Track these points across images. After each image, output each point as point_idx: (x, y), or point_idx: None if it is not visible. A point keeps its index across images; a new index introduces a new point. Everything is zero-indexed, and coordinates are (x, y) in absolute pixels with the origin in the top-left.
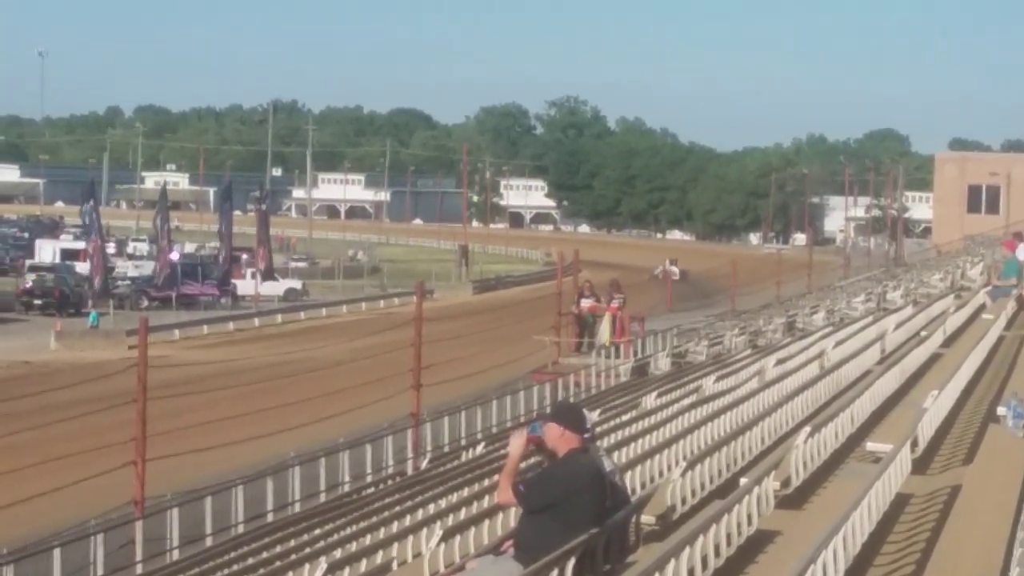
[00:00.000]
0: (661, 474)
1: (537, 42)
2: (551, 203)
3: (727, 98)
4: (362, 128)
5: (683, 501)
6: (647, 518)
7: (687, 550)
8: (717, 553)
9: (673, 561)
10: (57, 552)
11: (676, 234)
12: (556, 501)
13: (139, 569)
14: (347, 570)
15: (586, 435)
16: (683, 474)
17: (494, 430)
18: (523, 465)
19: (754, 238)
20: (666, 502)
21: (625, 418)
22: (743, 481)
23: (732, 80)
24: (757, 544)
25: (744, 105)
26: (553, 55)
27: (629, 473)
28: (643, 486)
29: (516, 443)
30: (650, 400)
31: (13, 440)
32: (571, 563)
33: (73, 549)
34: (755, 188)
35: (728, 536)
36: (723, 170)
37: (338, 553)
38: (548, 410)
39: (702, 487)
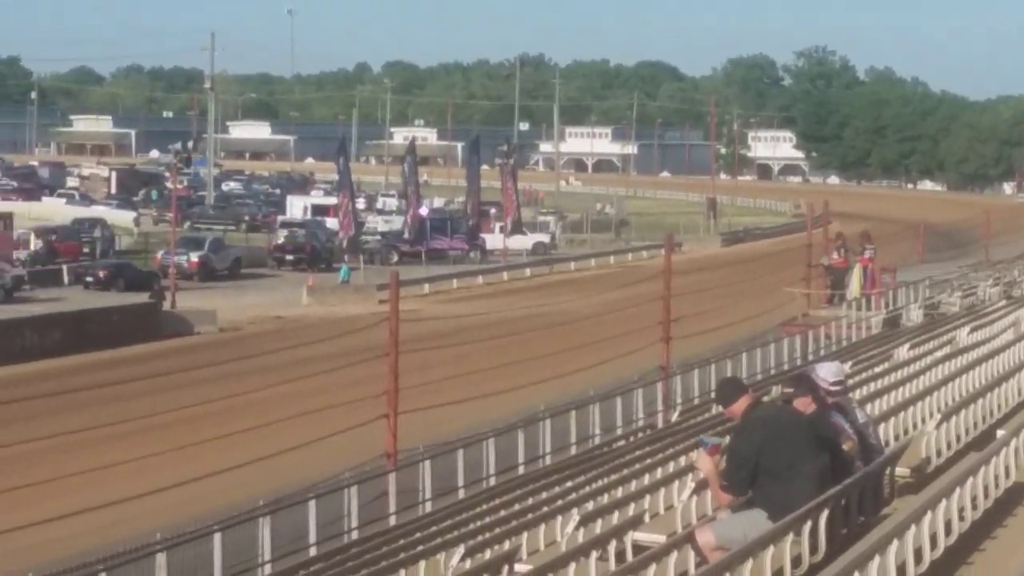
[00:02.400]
0: (915, 426)
1: None
2: (799, 154)
3: (979, 45)
4: (609, 81)
5: (938, 453)
6: (902, 470)
7: (943, 503)
8: (974, 506)
9: (929, 513)
10: (312, 504)
11: (927, 184)
12: (752, 464)
13: (392, 521)
14: (599, 522)
15: (738, 397)
16: (938, 426)
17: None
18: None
19: (1008, 188)
20: (921, 454)
21: (878, 370)
22: (1000, 433)
23: (984, 26)
24: (1015, 497)
25: (997, 52)
26: (801, 5)
27: (883, 425)
28: (897, 438)
29: (703, 464)
30: (903, 352)
31: (268, 394)
32: (823, 516)
33: (328, 501)
34: (1009, 136)
35: (985, 488)
36: (976, 119)
37: (590, 505)
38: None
39: (957, 439)
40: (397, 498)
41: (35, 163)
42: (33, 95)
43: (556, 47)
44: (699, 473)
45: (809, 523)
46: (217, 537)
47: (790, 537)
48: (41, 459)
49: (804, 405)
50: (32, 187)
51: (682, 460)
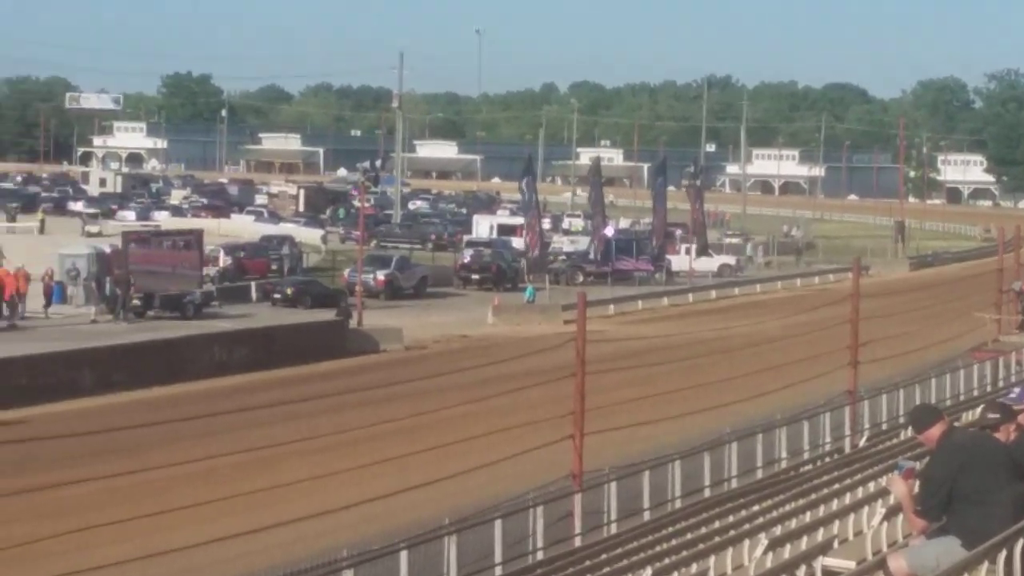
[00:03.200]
0: None
1: (975, 15)
2: (990, 178)
3: None
4: (796, 103)
5: None
6: None
7: None
8: None
9: None
10: (498, 523)
11: None
12: (947, 489)
13: (577, 542)
14: (787, 547)
15: (933, 423)
16: None
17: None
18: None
19: None
20: None
21: None
22: None
23: None
24: None
25: None
26: (992, 27)
27: None
28: None
29: (897, 488)
30: None
31: (453, 412)
32: (1020, 544)
33: (513, 520)
34: None
35: None
36: None
37: (778, 530)
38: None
39: None
40: (583, 519)
41: (225, 181)
42: (223, 113)
43: (744, 68)
44: (891, 498)
45: (1004, 551)
46: (404, 555)
47: (984, 565)
48: (226, 475)
49: (1006, 433)
50: (222, 204)
51: (872, 485)
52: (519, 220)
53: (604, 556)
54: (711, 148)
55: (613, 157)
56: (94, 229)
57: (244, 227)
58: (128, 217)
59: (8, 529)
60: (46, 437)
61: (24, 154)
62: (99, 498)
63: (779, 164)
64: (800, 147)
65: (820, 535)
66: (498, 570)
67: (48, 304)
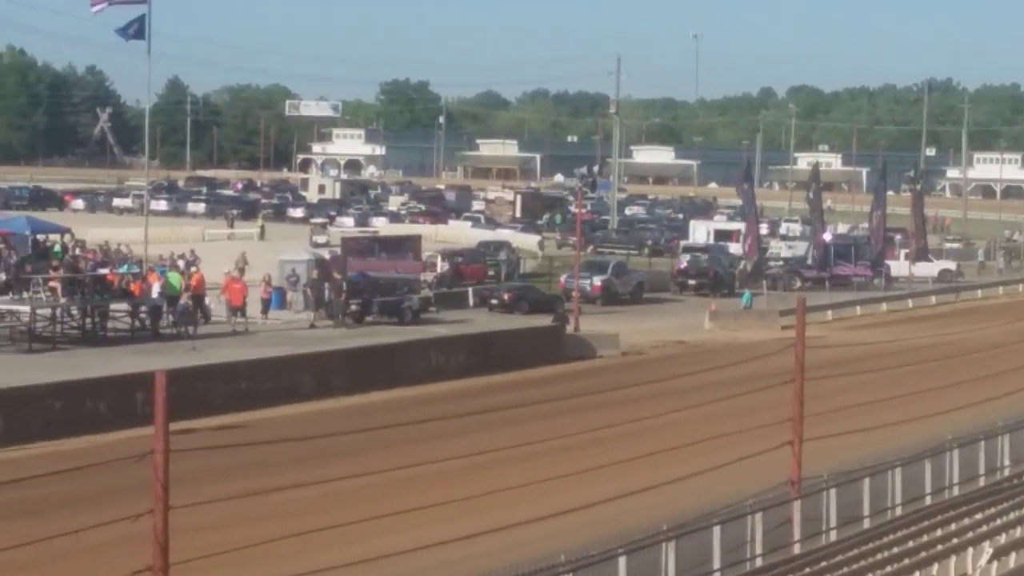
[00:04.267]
0: None
1: None
2: None
3: None
4: (1019, 106)
5: None
6: None
7: None
8: None
9: None
10: (716, 529)
11: None
12: None
13: (796, 549)
14: (1012, 556)
15: None
16: None
17: None
18: None
19: None
20: None
21: None
22: None
23: None
24: None
25: None
26: None
27: None
28: None
29: None
30: None
31: (670, 419)
32: None
33: (731, 527)
34: None
35: None
36: None
37: (1002, 538)
38: None
39: None
40: (801, 526)
41: (442, 187)
42: (441, 120)
43: (965, 71)
44: None
45: None
46: (622, 560)
47: None
48: (442, 480)
49: None
50: (439, 210)
51: None
52: (736, 225)
53: (823, 564)
54: (931, 152)
55: (831, 162)
56: (322, 240)
57: (461, 233)
58: (346, 223)
59: (230, 532)
60: (267, 441)
61: (245, 161)
62: (319, 502)
63: (1001, 168)
64: (1023, 151)
65: None
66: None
67: (266, 310)
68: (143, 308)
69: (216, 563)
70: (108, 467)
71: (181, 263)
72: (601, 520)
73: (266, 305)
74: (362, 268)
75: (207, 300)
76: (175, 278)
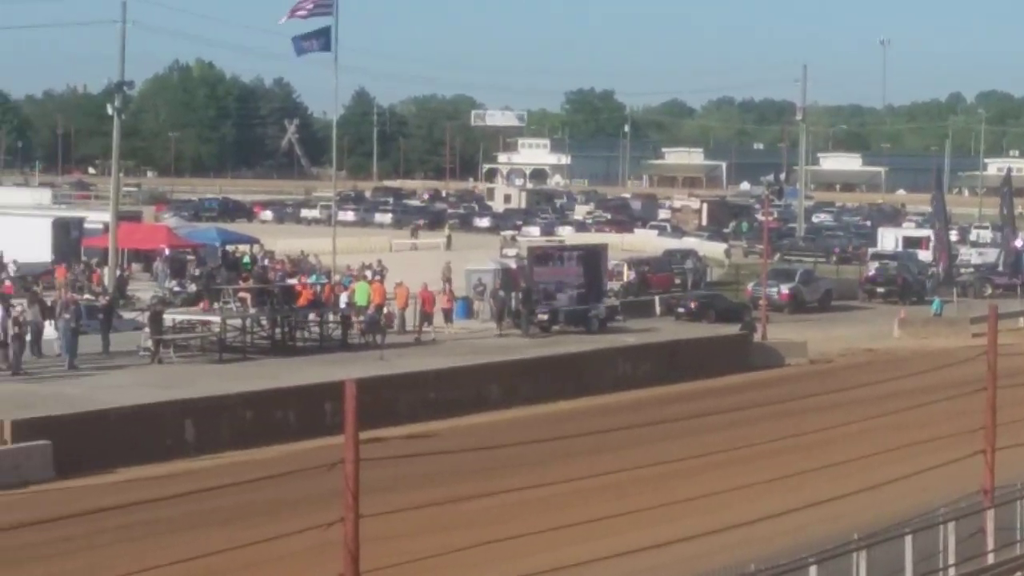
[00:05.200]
0: None
1: None
2: None
3: None
4: None
5: None
6: None
7: None
8: None
9: None
10: (908, 539)
11: None
12: None
13: (990, 559)
14: None
15: None
16: None
17: None
18: None
19: None
20: None
21: None
22: None
23: None
24: None
25: None
26: None
27: None
28: None
29: None
30: None
31: (858, 427)
32: None
33: (923, 536)
34: None
35: None
36: None
37: None
38: None
39: None
40: (995, 536)
41: (627, 195)
42: (626, 128)
43: None
44: None
45: None
46: (813, 570)
47: None
48: (629, 488)
49: None
50: (625, 219)
51: None
52: (925, 232)
53: (1019, 574)
54: None
55: (1023, 167)
56: (511, 252)
57: (647, 241)
58: (532, 232)
59: (419, 541)
60: (455, 451)
61: (431, 171)
62: (507, 511)
63: None
64: None
65: None
66: None
67: (449, 319)
68: (332, 318)
69: (405, 572)
70: (298, 476)
71: (368, 273)
72: (788, 530)
73: (449, 314)
74: (548, 277)
75: (385, 309)
76: (363, 288)
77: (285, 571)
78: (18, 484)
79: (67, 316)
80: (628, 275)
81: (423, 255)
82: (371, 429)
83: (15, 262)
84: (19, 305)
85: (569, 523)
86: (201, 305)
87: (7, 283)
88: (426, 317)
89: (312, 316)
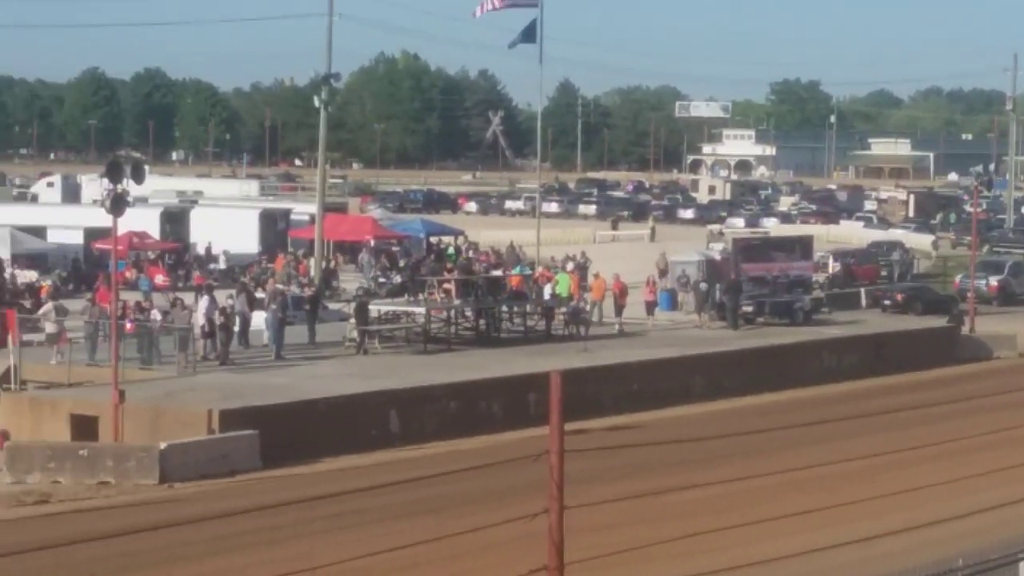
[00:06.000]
0: None
1: None
2: None
3: None
4: None
5: None
6: None
7: None
8: None
9: None
10: None
11: None
12: None
13: None
14: None
15: None
16: None
17: None
18: None
19: None
20: None
21: None
22: None
23: None
24: None
25: None
26: None
27: None
28: None
29: None
30: None
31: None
32: None
33: None
34: None
35: None
36: None
37: None
38: None
39: None
40: None
41: (833, 187)
42: (832, 119)
43: None
44: None
45: None
46: (1022, 566)
47: None
48: (836, 482)
49: None
50: (830, 210)
51: None
52: None
53: None
54: None
55: None
56: (718, 246)
57: (853, 233)
58: (737, 224)
59: (623, 532)
60: (660, 442)
61: (634, 163)
62: (712, 503)
63: None
64: None
65: None
66: None
67: (651, 311)
68: (536, 309)
69: (610, 563)
70: (502, 467)
71: (570, 265)
72: (996, 524)
73: (650, 307)
74: (752, 269)
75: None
76: (564, 279)
77: (489, 561)
78: (226, 473)
79: (274, 307)
80: (833, 267)
81: (624, 247)
82: (575, 420)
83: (225, 253)
84: (228, 297)
85: (774, 516)
86: (406, 296)
87: (196, 275)
88: (619, 309)
89: (516, 307)
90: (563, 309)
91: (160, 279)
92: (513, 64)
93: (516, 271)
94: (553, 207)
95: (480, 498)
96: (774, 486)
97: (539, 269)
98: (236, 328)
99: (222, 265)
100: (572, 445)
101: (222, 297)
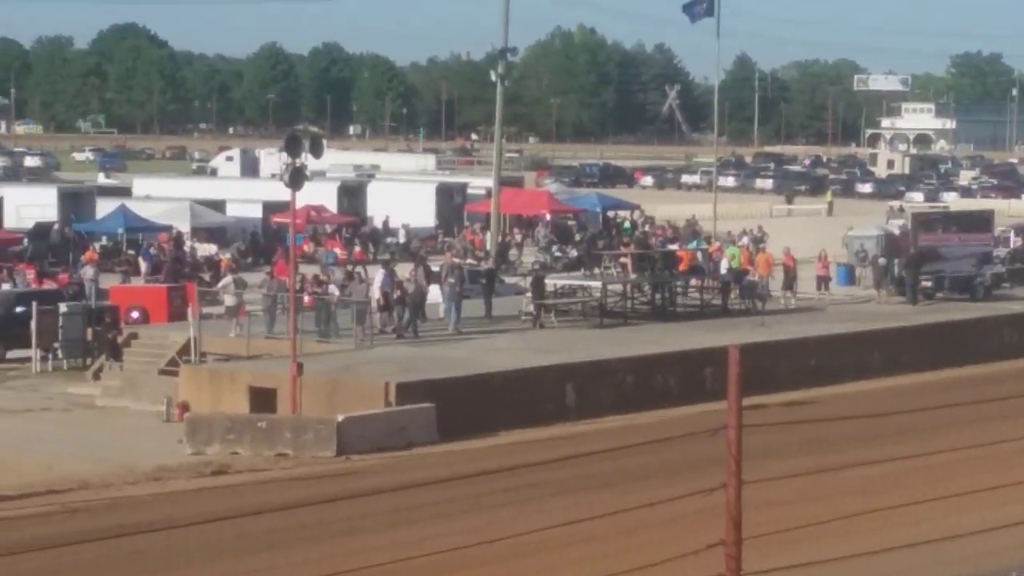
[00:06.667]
0: None
1: None
2: None
3: None
4: None
5: None
6: None
7: None
8: None
9: None
10: None
11: None
12: None
13: None
14: None
15: None
16: None
17: None
18: None
19: None
20: None
21: None
22: None
23: None
24: None
25: None
26: None
27: None
28: None
29: None
30: None
31: None
32: None
33: None
34: None
35: None
36: None
37: None
38: None
39: None
40: None
41: (1014, 160)
42: (1014, 92)
43: None
44: None
45: None
46: None
47: None
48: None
49: None
50: (1011, 184)
51: None
52: None
53: None
54: None
55: None
56: (898, 222)
57: None
58: (916, 199)
59: (799, 508)
60: (838, 418)
61: (812, 136)
62: (889, 480)
63: None
64: None
65: None
66: None
67: (824, 286)
68: (711, 284)
69: (787, 538)
70: (677, 441)
71: (745, 239)
72: None
73: (823, 282)
74: (932, 243)
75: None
76: (735, 253)
77: (666, 535)
78: (403, 446)
79: (452, 280)
80: (1015, 242)
81: (801, 221)
82: (752, 395)
83: (405, 227)
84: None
85: (952, 493)
86: (582, 270)
87: (357, 250)
88: (790, 283)
89: (692, 282)
90: (738, 283)
91: (338, 252)
92: (690, 38)
93: (692, 245)
94: (729, 181)
95: (656, 472)
96: (952, 462)
97: (715, 243)
98: (412, 301)
99: (401, 239)
100: (749, 420)
101: (405, 271)
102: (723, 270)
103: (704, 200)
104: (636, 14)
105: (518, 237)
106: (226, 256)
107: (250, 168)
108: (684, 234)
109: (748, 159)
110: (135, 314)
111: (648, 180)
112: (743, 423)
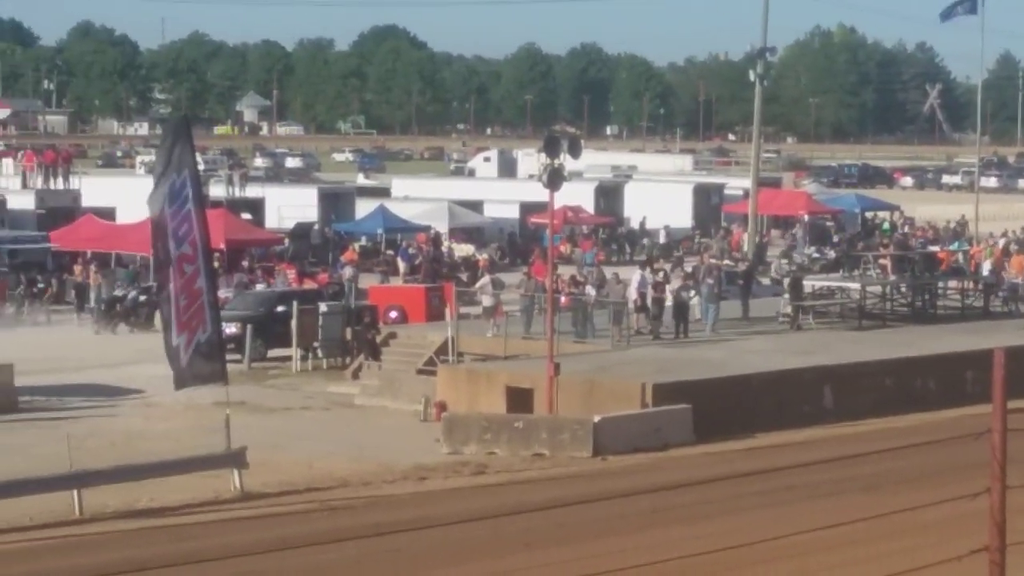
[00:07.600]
0: None
1: None
2: None
3: None
4: None
5: None
6: None
7: None
8: None
9: None
10: None
11: None
12: None
13: None
14: None
15: None
16: None
17: None
18: None
19: None
20: None
21: None
22: None
23: None
24: None
25: None
26: None
27: None
28: None
29: None
30: None
31: None
32: None
33: None
34: None
35: None
36: None
37: None
38: None
39: None
40: None
41: None
42: None
43: None
44: None
45: None
46: None
47: None
48: None
49: None
50: None
51: None
52: None
53: None
54: None
55: None
56: None
57: None
58: None
59: None
60: None
61: None
62: None
63: None
64: None
65: None
66: None
67: None
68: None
69: None
70: (938, 445)
71: (1002, 241)
72: None
73: None
74: None
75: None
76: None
77: (927, 540)
78: (659, 447)
79: (710, 281)
80: None
81: None
82: (1017, 399)
83: (666, 228)
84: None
85: None
86: (841, 272)
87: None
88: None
89: (953, 284)
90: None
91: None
92: (951, 37)
93: (954, 247)
94: (992, 182)
95: (916, 477)
96: None
97: (976, 245)
98: (668, 302)
99: (662, 239)
100: (1015, 424)
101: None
102: (985, 272)
103: (965, 201)
104: (897, 13)
105: (771, 236)
106: (483, 256)
107: (508, 169)
108: (945, 235)
109: (1011, 159)
110: (394, 314)
111: (908, 180)
112: (1009, 427)
